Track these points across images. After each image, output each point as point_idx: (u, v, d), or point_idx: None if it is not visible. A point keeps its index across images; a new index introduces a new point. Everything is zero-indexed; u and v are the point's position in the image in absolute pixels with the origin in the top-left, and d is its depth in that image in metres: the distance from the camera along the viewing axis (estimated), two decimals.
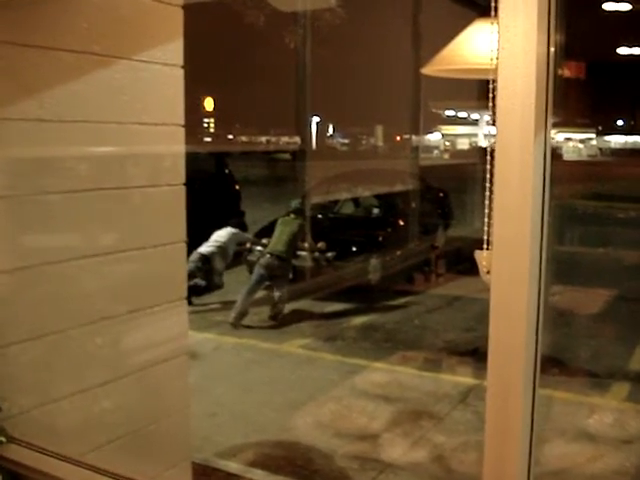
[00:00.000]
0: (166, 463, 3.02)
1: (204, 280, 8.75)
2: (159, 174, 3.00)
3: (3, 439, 2.11)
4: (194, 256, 8.69)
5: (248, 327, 7.82)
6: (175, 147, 3.04)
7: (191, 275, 8.52)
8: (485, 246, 1.34)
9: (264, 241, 8.77)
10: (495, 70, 1.30)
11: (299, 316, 8.29)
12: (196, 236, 11.97)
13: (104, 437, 2.72)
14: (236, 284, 8.76)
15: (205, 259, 8.79)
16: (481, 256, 1.34)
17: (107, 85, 2.76)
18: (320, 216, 10.81)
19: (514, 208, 1.29)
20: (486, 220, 1.32)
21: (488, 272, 1.32)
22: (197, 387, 5.72)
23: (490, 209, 1.35)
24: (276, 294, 8.25)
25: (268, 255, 8.37)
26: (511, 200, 1.30)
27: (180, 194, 3.06)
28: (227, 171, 14.31)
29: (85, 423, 2.68)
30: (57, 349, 2.58)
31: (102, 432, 2.74)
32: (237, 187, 13.88)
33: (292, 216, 8.93)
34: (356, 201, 11.65)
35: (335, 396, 5.71)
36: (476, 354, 6.88)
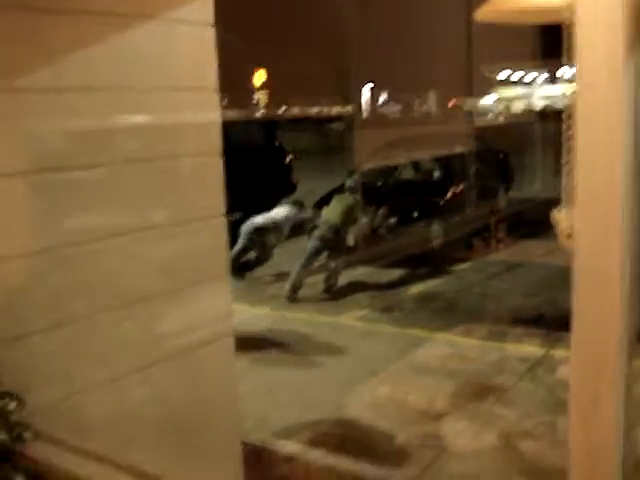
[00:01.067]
0: (214, 453, 2.83)
1: (255, 252, 8.69)
2: (192, 143, 2.78)
3: (29, 436, 1.92)
4: (247, 227, 8.62)
5: (304, 300, 7.63)
6: (209, 113, 2.82)
7: (244, 248, 8.56)
8: (563, 205, 1.08)
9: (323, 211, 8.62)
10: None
11: (356, 287, 8.07)
12: (246, 209, 11.90)
13: (139, 429, 2.54)
14: (292, 255, 8.60)
15: (258, 231, 8.66)
16: (559, 217, 1.08)
17: (132, 48, 2.55)
18: (380, 182, 10.62)
19: (602, 154, 1.03)
20: (564, 174, 1.06)
21: (569, 235, 1.06)
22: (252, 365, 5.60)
23: (567, 162, 1.08)
24: (330, 267, 8.06)
25: (323, 226, 8.18)
26: (598, 145, 1.03)
27: (216, 164, 2.85)
28: (277, 143, 14.10)
29: (118, 415, 2.51)
30: (86, 335, 2.39)
31: (137, 424, 2.56)
32: (288, 159, 13.66)
33: (347, 194, 8.80)
34: (416, 165, 11.42)
35: (394, 371, 5.49)
36: (541, 321, 6.59)
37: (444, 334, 6.33)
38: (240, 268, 8.60)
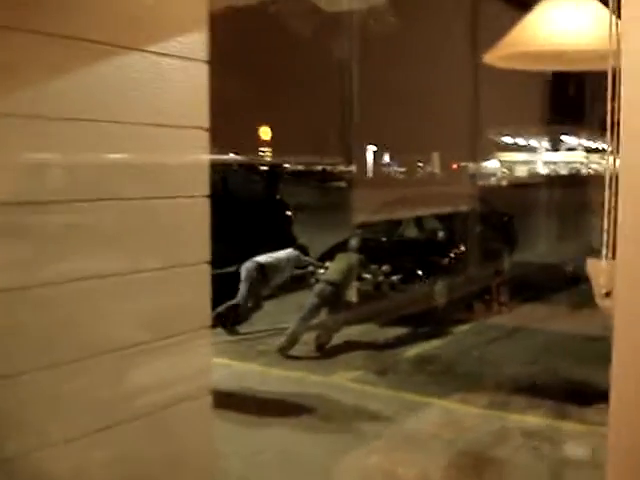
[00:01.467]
0: None
1: (255, 291, 8.58)
2: (178, 184, 2.59)
3: None
4: (250, 264, 8.61)
5: (295, 357, 7.37)
6: (197, 153, 2.65)
7: (249, 290, 8.44)
8: (604, 255, 0.89)
9: (327, 264, 8.50)
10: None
11: (352, 345, 7.82)
12: (243, 260, 11.72)
13: None
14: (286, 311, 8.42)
15: (261, 268, 8.57)
16: (597, 269, 0.89)
17: (119, 80, 2.38)
18: (383, 240, 10.59)
19: None
20: (605, 223, 0.90)
21: (608, 294, 0.87)
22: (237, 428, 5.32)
23: (610, 210, 0.94)
24: (324, 324, 7.86)
25: (322, 283, 8.00)
26: None
27: (203, 207, 2.65)
28: (278, 197, 14.02)
29: (78, 476, 2.26)
30: (44, 387, 2.17)
31: None
32: (289, 213, 13.56)
33: (350, 252, 8.81)
34: (419, 224, 11.32)
35: (386, 438, 5.22)
36: (535, 390, 6.35)
37: (440, 400, 6.06)
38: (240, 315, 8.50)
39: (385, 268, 8.79)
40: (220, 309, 8.29)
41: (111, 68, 2.38)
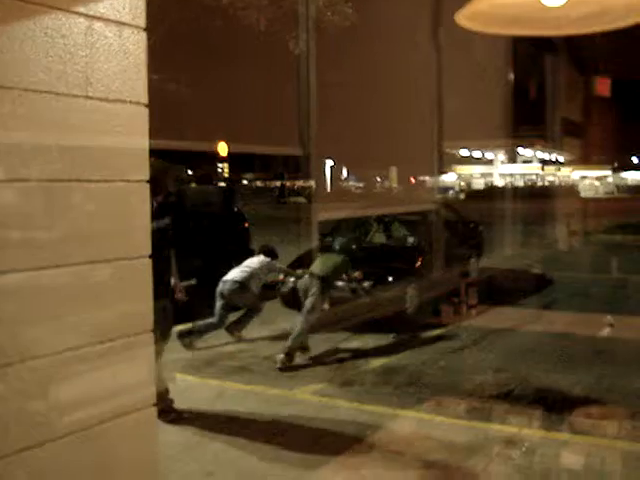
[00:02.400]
0: None
1: (245, 308, 8.42)
2: (113, 166, 2.26)
3: None
4: (228, 285, 8.28)
5: (253, 371, 7.02)
6: (136, 131, 2.33)
7: (226, 309, 8.26)
8: None
9: (299, 272, 8.23)
10: None
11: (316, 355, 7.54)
12: (202, 271, 11.42)
13: None
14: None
15: (241, 285, 8.25)
16: None
17: (43, 44, 2.06)
18: (353, 247, 10.61)
19: None
20: None
21: None
22: (188, 445, 4.97)
23: None
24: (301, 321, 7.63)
25: (308, 276, 7.91)
26: None
27: (142, 194, 2.33)
28: (236, 209, 13.78)
29: None
30: None
31: None
32: (246, 225, 13.30)
33: (335, 253, 8.80)
34: (387, 231, 11.36)
35: (351, 454, 4.89)
36: (509, 398, 6.11)
37: (408, 411, 5.78)
38: (230, 329, 8.31)
39: (357, 274, 8.61)
40: (197, 327, 8.12)
41: (34, 30, 2.05)
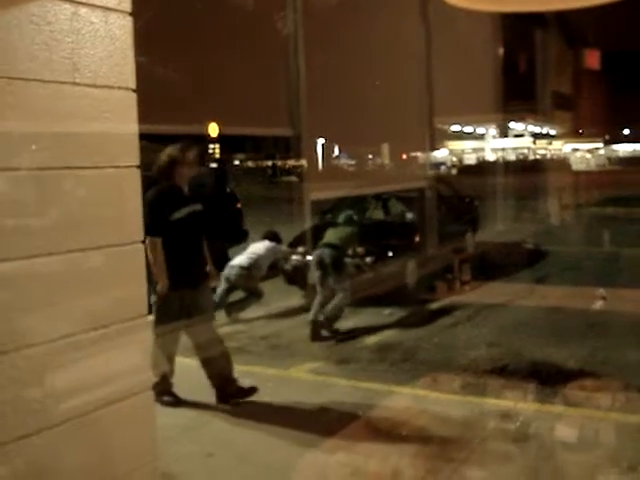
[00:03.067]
0: None
1: (247, 292, 8.50)
2: (103, 152, 2.27)
3: None
4: (233, 269, 8.39)
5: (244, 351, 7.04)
6: (125, 117, 2.32)
7: (228, 290, 8.37)
8: None
9: (300, 249, 8.31)
10: None
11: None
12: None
13: None
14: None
15: (248, 271, 8.39)
16: None
17: (30, 31, 2.06)
18: (354, 222, 10.58)
19: None
20: None
21: None
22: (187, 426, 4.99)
23: None
24: (337, 297, 7.70)
25: (322, 248, 7.94)
26: None
27: (132, 179, 2.33)
28: (229, 190, 13.72)
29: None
30: None
31: None
32: (239, 206, 13.25)
33: (342, 226, 8.76)
34: (386, 207, 11.42)
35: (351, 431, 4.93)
36: (504, 372, 6.15)
37: (403, 388, 5.81)
38: (229, 310, 8.36)
39: (359, 250, 8.70)
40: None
41: (19, 18, 2.05)
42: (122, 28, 2.32)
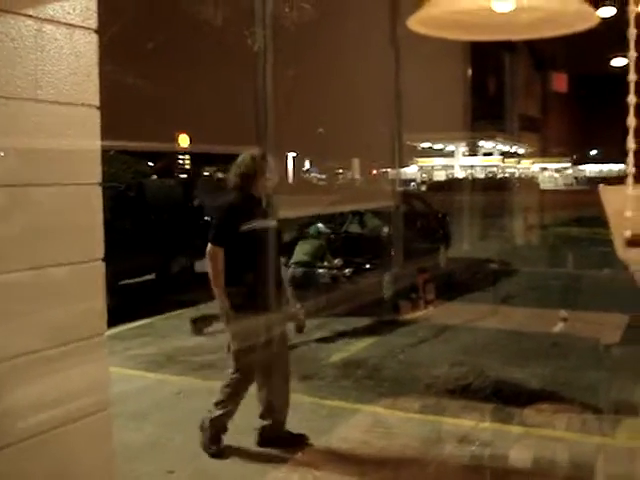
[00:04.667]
0: None
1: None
2: (65, 169, 2.25)
3: None
4: None
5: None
6: (87, 134, 2.31)
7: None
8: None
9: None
10: None
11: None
12: (163, 266, 11.35)
13: None
14: None
15: None
16: (616, 198, 0.64)
17: None
18: (331, 236, 10.81)
19: None
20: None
21: (634, 241, 0.61)
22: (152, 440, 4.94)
23: None
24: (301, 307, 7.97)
25: (292, 266, 8.22)
26: None
27: (95, 197, 2.32)
28: (196, 203, 13.67)
29: None
30: None
31: None
32: (207, 219, 13.20)
33: (311, 239, 9.10)
34: (361, 221, 11.59)
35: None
36: (466, 392, 6.19)
37: (368, 406, 5.82)
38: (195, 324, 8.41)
39: (337, 262, 8.96)
40: (206, 314, 8.32)
41: None
42: (87, 45, 2.32)
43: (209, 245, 4.66)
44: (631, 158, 0.84)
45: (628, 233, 0.69)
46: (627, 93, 1.56)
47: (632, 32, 1.71)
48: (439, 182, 50.20)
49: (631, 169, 0.81)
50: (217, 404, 4.75)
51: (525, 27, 2.31)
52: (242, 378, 4.74)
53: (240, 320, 4.68)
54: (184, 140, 33.59)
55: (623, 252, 0.72)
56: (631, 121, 1.17)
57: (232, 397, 4.75)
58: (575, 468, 4.53)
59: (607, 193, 0.78)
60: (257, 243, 4.76)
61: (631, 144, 1.17)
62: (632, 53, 1.46)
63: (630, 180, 0.78)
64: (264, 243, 4.81)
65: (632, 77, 1.53)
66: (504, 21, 2.34)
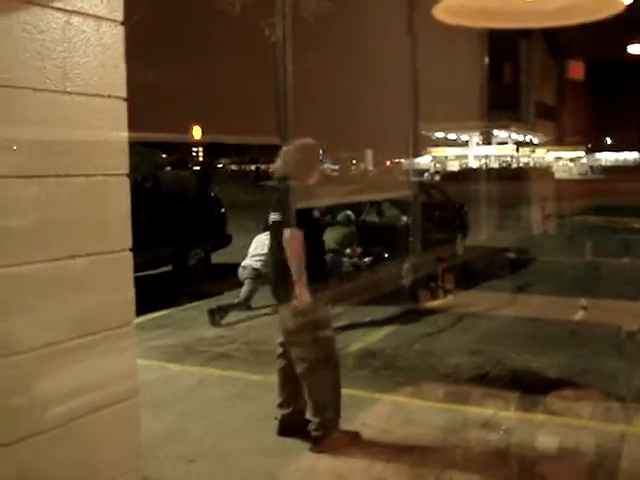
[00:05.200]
0: None
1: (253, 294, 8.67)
2: (93, 160, 2.28)
3: None
4: (248, 272, 8.66)
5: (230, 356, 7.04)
6: (115, 125, 2.34)
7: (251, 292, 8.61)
8: None
9: None
10: None
11: None
12: (179, 258, 11.41)
13: None
14: None
15: (259, 274, 8.55)
16: None
17: (22, 40, 2.07)
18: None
19: None
20: None
21: None
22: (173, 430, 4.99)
23: None
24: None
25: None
26: None
27: (122, 187, 2.35)
28: (212, 194, 13.70)
29: None
30: None
31: None
32: (222, 210, 13.24)
33: (339, 227, 9.19)
34: (380, 211, 11.77)
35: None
36: (485, 380, 6.19)
37: (387, 395, 5.83)
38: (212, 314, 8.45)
39: (358, 250, 9.09)
40: (223, 304, 8.47)
41: (12, 26, 2.05)
42: (113, 37, 2.34)
43: (290, 230, 4.44)
44: None
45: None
46: None
47: None
48: (453, 172, 50.09)
49: None
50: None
51: (550, 15, 2.31)
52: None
53: (316, 306, 4.54)
54: (198, 132, 33.68)
55: None
56: None
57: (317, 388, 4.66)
58: (600, 455, 4.53)
59: None
60: (315, 230, 4.73)
61: None
62: None
63: None
64: (318, 230, 4.86)
65: None
66: (529, 9, 2.35)
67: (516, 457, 4.56)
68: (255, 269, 8.63)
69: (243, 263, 8.85)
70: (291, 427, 4.82)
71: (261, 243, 8.75)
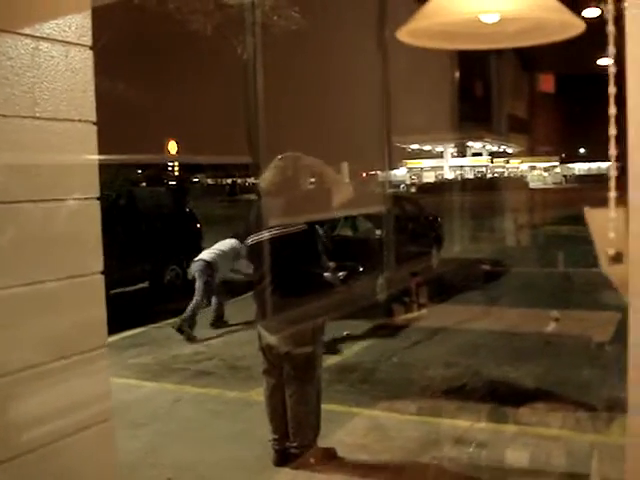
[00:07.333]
0: None
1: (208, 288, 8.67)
2: (63, 184, 2.29)
3: None
4: (198, 265, 8.65)
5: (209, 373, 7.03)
6: (85, 149, 2.35)
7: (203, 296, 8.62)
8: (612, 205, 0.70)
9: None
10: None
11: None
12: (154, 274, 11.38)
13: None
14: None
15: (208, 265, 8.59)
16: (600, 220, 0.69)
17: None
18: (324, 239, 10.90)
19: None
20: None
21: (616, 258, 0.66)
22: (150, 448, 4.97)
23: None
24: None
25: None
26: None
27: (92, 211, 2.36)
28: (188, 210, 13.72)
29: None
30: None
31: None
32: (198, 226, 13.24)
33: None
34: (354, 225, 11.72)
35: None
36: (461, 392, 6.25)
37: (364, 409, 5.86)
38: (216, 320, 8.77)
39: (332, 264, 8.85)
40: (185, 315, 8.42)
41: None
42: (82, 62, 2.35)
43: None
44: (613, 183, 0.89)
45: (612, 251, 0.75)
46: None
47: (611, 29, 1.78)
48: (428, 184, 50.35)
49: (612, 194, 0.86)
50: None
51: (512, 36, 2.36)
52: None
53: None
54: (173, 147, 33.59)
55: (607, 268, 0.79)
56: (611, 130, 1.22)
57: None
58: (571, 466, 4.58)
59: (592, 215, 0.85)
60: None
61: (612, 150, 1.22)
62: (611, 49, 1.57)
63: (612, 204, 0.84)
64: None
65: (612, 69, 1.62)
66: (491, 31, 2.40)
67: (489, 469, 4.60)
68: (205, 261, 8.61)
69: (195, 259, 8.84)
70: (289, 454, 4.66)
71: (224, 243, 8.79)
